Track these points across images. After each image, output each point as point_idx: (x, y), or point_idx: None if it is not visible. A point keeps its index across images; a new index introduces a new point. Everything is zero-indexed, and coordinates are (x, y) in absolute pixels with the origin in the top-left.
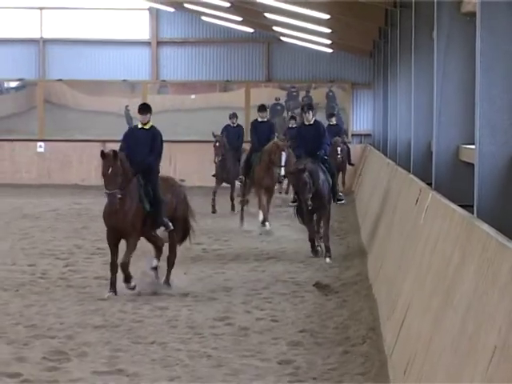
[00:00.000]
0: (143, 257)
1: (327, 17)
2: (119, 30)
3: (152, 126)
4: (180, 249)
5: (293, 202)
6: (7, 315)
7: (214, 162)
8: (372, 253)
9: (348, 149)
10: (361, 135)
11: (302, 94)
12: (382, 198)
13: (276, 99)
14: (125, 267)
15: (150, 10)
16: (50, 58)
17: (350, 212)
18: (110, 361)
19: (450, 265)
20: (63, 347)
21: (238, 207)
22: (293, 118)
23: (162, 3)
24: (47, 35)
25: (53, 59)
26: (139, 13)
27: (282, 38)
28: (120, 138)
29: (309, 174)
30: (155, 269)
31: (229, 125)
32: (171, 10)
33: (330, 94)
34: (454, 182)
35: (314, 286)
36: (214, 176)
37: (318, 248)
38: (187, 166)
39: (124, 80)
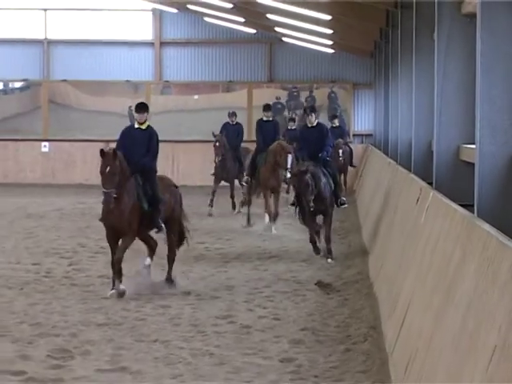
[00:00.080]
0: (136, 256)
1: (328, 18)
2: (123, 30)
3: (149, 126)
4: (182, 248)
5: (292, 204)
6: (12, 313)
7: (214, 161)
8: (373, 252)
9: (350, 150)
10: (362, 135)
11: (303, 94)
12: (383, 197)
13: (276, 98)
14: (117, 262)
15: (154, 11)
16: (54, 58)
17: (352, 211)
18: (113, 359)
19: (450, 264)
20: (67, 345)
21: (238, 207)
22: (292, 119)
23: (165, 4)
24: (51, 36)
25: (57, 60)
26: (143, 14)
27: (284, 39)
28: None
29: (311, 176)
30: (148, 267)
31: (228, 123)
32: (174, 11)
33: (332, 94)
34: (455, 182)
35: (315, 284)
36: (213, 175)
37: (319, 245)
38: (190, 165)
39: (127, 80)
